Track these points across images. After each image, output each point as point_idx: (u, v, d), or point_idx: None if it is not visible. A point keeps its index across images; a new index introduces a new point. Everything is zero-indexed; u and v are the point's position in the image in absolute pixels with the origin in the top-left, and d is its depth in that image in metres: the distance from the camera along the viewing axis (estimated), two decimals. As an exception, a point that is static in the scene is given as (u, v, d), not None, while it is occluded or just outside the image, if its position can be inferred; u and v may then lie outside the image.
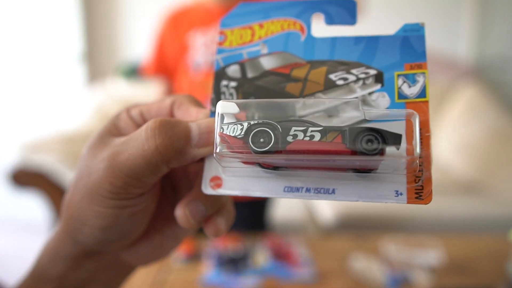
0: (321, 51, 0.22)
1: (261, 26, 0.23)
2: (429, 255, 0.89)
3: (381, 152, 0.18)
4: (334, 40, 0.22)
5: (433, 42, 2.37)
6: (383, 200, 0.20)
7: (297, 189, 0.21)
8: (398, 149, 0.18)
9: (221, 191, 0.22)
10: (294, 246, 0.95)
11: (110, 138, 0.23)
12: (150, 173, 0.21)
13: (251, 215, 1.15)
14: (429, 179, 0.20)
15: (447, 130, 2.10)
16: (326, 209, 1.54)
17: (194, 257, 0.90)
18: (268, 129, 0.19)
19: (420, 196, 0.20)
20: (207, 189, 0.22)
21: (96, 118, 1.90)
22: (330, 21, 0.23)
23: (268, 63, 0.23)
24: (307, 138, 0.18)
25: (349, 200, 0.20)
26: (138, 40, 2.24)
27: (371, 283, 0.82)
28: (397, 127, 0.18)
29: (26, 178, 1.44)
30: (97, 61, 2.35)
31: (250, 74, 0.23)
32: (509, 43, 2.40)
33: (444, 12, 2.38)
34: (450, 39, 2.39)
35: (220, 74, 0.24)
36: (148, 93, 1.80)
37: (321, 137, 0.18)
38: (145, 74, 1.20)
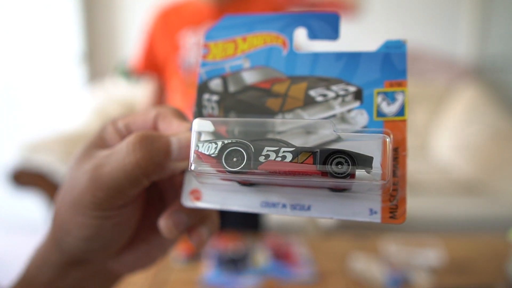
0: (302, 67, 0.22)
1: (244, 40, 0.23)
2: (429, 255, 0.89)
3: (351, 175, 0.18)
4: (315, 56, 0.22)
5: (433, 42, 2.37)
6: (358, 218, 0.20)
7: (273, 205, 0.21)
8: (368, 172, 0.18)
9: (199, 204, 0.22)
10: (294, 246, 0.95)
11: (95, 150, 0.23)
12: (131, 186, 0.22)
13: (245, 214, 1.14)
14: (403, 199, 0.20)
15: (447, 130, 2.10)
16: (326, 209, 1.54)
17: (194, 257, 0.90)
18: (241, 149, 0.19)
19: (394, 215, 0.20)
20: (187, 202, 0.22)
21: (95, 119, 1.90)
22: (312, 35, 0.23)
23: (249, 77, 0.23)
24: (279, 159, 0.18)
25: (324, 217, 0.20)
26: (138, 40, 2.24)
27: (371, 283, 0.82)
28: (371, 148, 0.18)
29: (26, 178, 1.44)
30: (97, 61, 2.35)
31: (231, 88, 0.23)
32: (509, 43, 2.40)
33: (444, 12, 2.38)
34: (450, 39, 2.39)
35: (202, 88, 0.24)
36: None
37: (293, 158, 0.18)
38: (134, 72, 1.16)
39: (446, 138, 2.07)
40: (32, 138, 1.58)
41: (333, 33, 0.23)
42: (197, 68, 0.25)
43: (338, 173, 0.18)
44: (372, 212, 0.20)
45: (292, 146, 0.19)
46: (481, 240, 1.04)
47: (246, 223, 1.13)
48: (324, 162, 0.18)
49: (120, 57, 2.32)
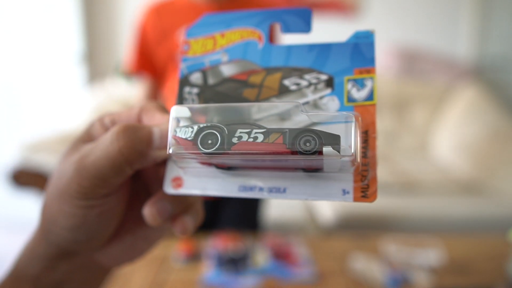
0: (277, 58, 0.23)
1: (222, 35, 0.25)
2: (429, 255, 0.89)
3: (319, 152, 0.19)
4: (289, 48, 0.24)
5: (433, 42, 2.37)
6: (331, 198, 0.21)
7: (251, 188, 0.22)
8: (336, 149, 0.19)
9: (181, 191, 0.23)
10: (294, 246, 0.95)
11: (82, 144, 0.25)
12: (114, 174, 0.23)
13: (243, 213, 1.14)
14: (374, 179, 0.20)
15: (447, 130, 2.10)
16: (326, 209, 1.54)
17: (194, 257, 0.90)
18: (215, 132, 0.20)
19: (366, 194, 0.20)
20: (169, 189, 0.23)
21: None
22: (286, 29, 0.24)
23: (227, 70, 0.24)
24: (251, 139, 0.19)
25: (299, 199, 0.21)
26: (130, 39, 2.23)
27: (371, 283, 0.82)
28: (338, 127, 0.19)
29: (26, 178, 1.44)
30: (97, 61, 2.35)
31: (211, 81, 0.24)
32: (509, 43, 2.40)
33: (444, 12, 2.38)
34: (450, 39, 2.39)
35: (183, 81, 0.25)
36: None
37: (264, 138, 0.19)
38: (128, 71, 1.12)
39: (446, 138, 2.07)
40: (32, 138, 1.58)
41: (305, 27, 0.24)
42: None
43: (307, 151, 0.19)
44: (344, 192, 0.21)
45: (264, 127, 0.20)
46: (481, 240, 1.04)
47: (246, 223, 1.13)
48: (292, 141, 0.19)
49: (120, 57, 2.32)
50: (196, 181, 0.23)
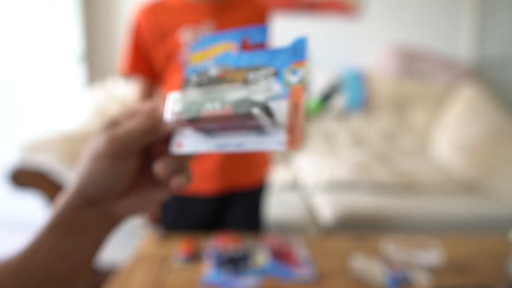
0: (245, 61, 0.34)
1: (210, 49, 0.37)
2: (429, 255, 0.89)
3: (252, 115, 0.29)
4: (253, 54, 0.34)
5: (433, 42, 2.37)
6: (271, 147, 0.30)
7: (223, 145, 0.32)
8: (261, 110, 0.29)
9: (182, 150, 0.34)
10: (294, 246, 0.95)
11: (108, 128, 0.35)
12: (136, 142, 0.34)
13: (246, 214, 1.14)
14: (299, 134, 0.29)
15: (447, 130, 2.10)
16: (326, 209, 1.54)
17: (194, 257, 0.90)
18: (192, 105, 0.31)
19: (293, 145, 0.30)
20: (174, 149, 0.34)
21: (96, 118, 1.90)
22: (252, 40, 0.35)
23: (213, 72, 0.36)
24: (213, 109, 0.30)
25: (252, 149, 0.31)
26: (124, 41, 2.23)
27: (371, 283, 0.82)
28: (278, 104, 0.30)
29: (26, 178, 1.44)
30: (97, 61, 2.35)
31: (202, 80, 0.36)
32: (509, 43, 2.41)
33: (444, 12, 2.38)
34: (450, 39, 2.39)
35: (186, 83, 0.37)
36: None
37: (221, 107, 0.30)
38: (122, 74, 1.10)
39: (446, 138, 2.07)
40: (32, 138, 1.58)
41: (263, 38, 0.35)
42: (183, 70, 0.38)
43: (244, 112, 0.29)
44: (279, 143, 0.30)
45: (222, 101, 0.30)
46: (481, 240, 1.04)
47: (247, 223, 1.13)
48: (236, 108, 0.29)
49: (120, 57, 2.32)
50: (190, 143, 0.34)
